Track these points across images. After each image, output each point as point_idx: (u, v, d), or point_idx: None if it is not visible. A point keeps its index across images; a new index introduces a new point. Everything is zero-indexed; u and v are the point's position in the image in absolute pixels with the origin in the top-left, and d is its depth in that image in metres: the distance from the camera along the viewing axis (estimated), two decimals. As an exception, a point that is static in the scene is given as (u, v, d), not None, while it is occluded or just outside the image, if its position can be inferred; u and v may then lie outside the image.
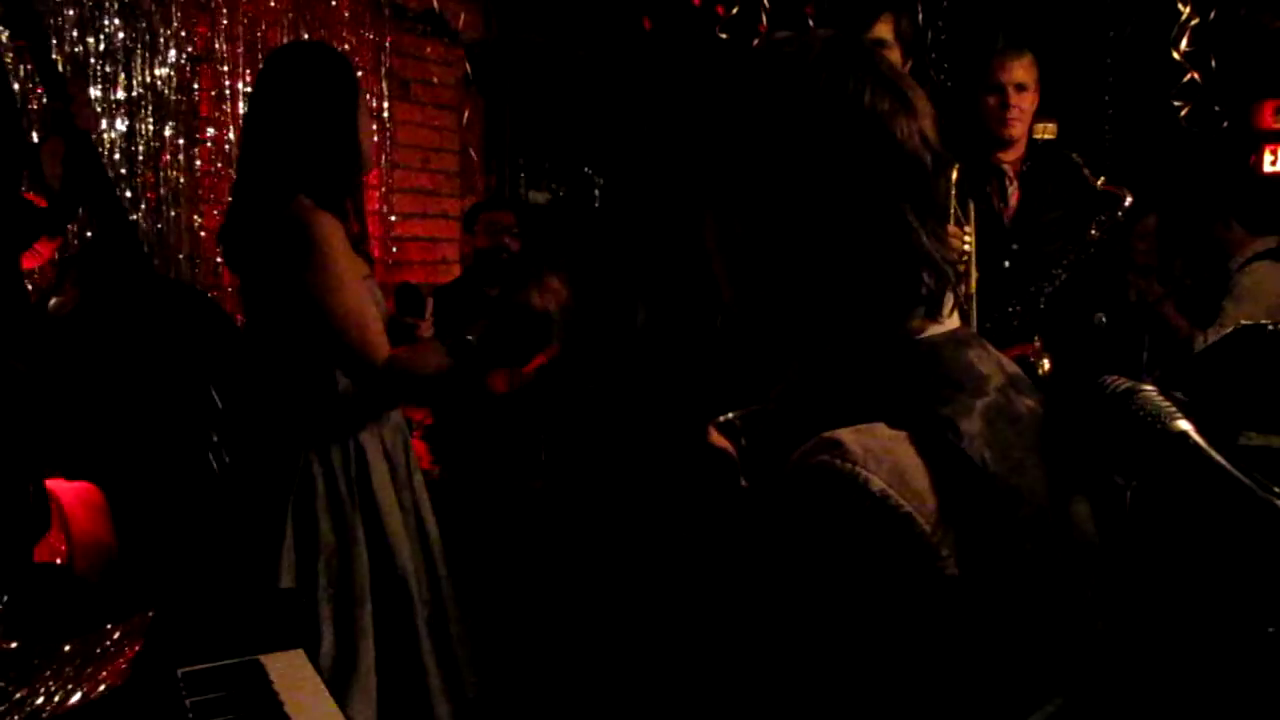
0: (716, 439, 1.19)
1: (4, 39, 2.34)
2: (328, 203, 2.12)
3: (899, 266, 0.89)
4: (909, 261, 0.89)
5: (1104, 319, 2.94)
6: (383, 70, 4.42)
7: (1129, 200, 2.84)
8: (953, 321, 0.94)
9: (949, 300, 0.93)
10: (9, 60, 2.49)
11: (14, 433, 1.78)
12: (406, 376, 2.11)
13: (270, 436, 2.20)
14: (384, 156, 4.47)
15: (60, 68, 2.94)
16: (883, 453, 0.80)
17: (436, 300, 3.78)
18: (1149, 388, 0.85)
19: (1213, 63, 3.98)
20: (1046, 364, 2.76)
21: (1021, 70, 2.91)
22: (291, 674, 1.37)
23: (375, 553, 2.18)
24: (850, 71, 0.89)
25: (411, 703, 2.20)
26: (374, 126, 2.29)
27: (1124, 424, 0.83)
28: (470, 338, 2.13)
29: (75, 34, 3.20)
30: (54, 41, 3.09)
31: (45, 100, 2.31)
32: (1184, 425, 0.82)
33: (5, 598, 1.44)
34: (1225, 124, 4.27)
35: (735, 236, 0.94)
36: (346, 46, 4.22)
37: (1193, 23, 3.88)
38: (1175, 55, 4.00)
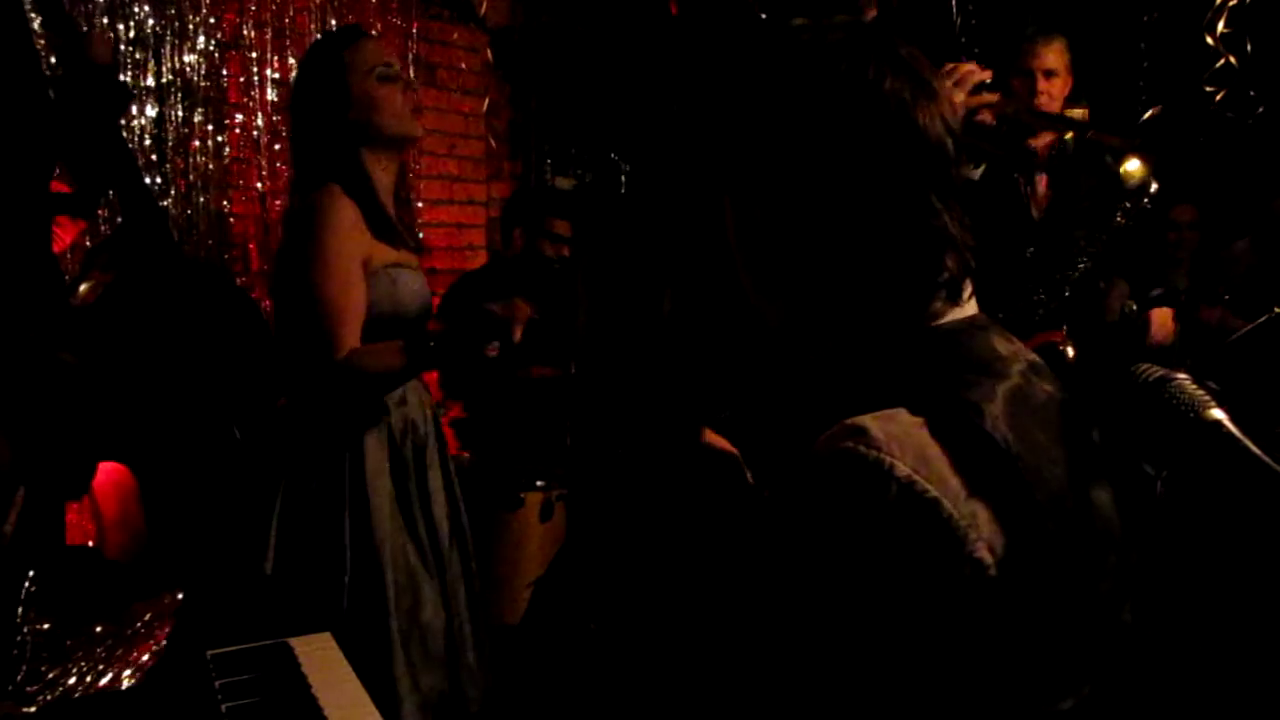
0: (712, 439, 1.19)
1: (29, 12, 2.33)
2: (353, 187, 2.13)
3: (921, 251, 0.90)
4: (932, 246, 0.89)
5: (1135, 308, 2.91)
6: (410, 57, 4.42)
7: (1155, 188, 2.80)
8: (971, 307, 0.94)
9: (968, 286, 0.93)
10: (40, 47, 2.50)
11: (67, 425, 1.80)
12: (358, 375, 2.08)
13: (273, 420, 2.22)
14: (411, 143, 4.48)
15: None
16: (905, 438, 0.80)
17: (459, 287, 3.78)
18: (1182, 376, 0.84)
19: (1249, 46, 3.91)
20: (1071, 352, 2.74)
21: (1052, 56, 2.88)
22: (320, 657, 1.38)
23: (358, 546, 2.12)
24: (870, 58, 0.89)
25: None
26: (389, 93, 2.20)
27: (1156, 412, 0.82)
28: (431, 344, 2.12)
29: (105, 21, 3.22)
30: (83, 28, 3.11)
31: (56, 41, 2.30)
32: (1217, 414, 0.81)
33: (37, 579, 1.46)
34: (1261, 109, 4.21)
35: (755, 224, 0.94)
36: (374, 32, 4.23)
37: (1230, 4, 3.82)
38: (1209, 40, 3.94)
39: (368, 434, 2.15)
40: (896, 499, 0.77)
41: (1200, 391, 0.82)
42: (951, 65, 2.23)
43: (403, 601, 2.16)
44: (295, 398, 2.23)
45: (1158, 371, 0.85)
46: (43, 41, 2.50)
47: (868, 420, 0.81)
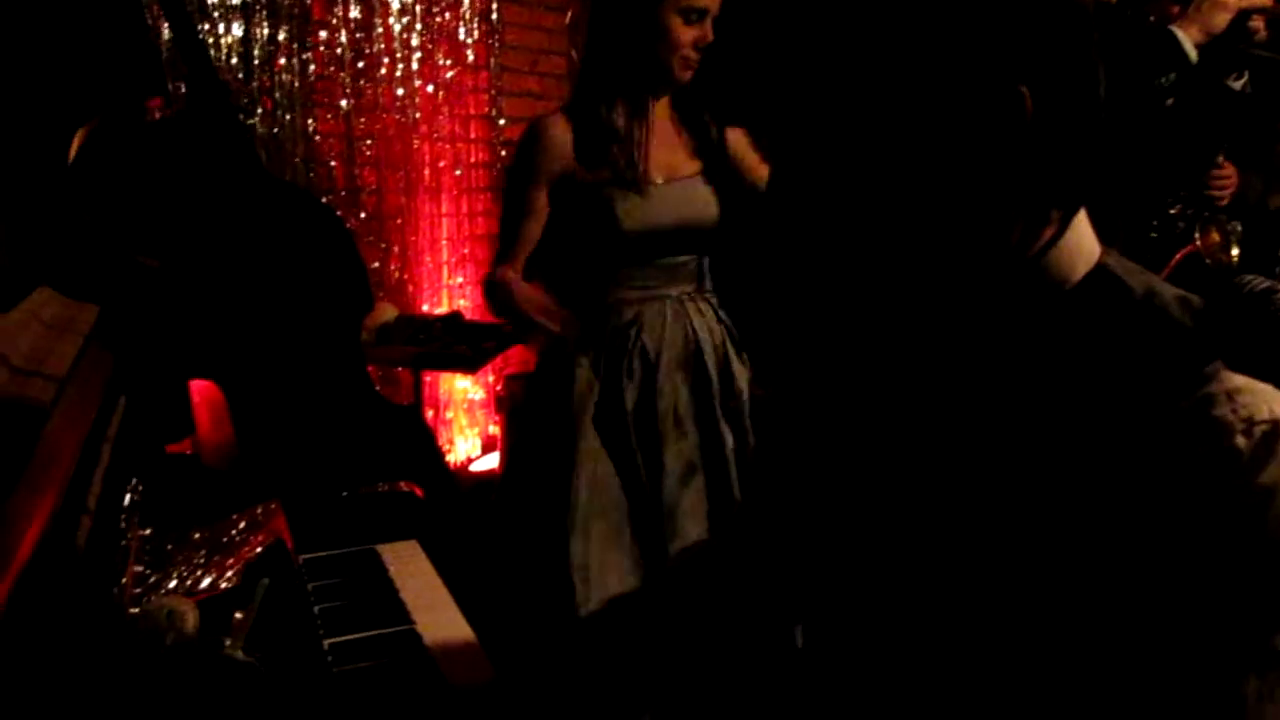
0: None
1: None
2: (579, 112, 2.21)
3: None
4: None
5: (1239, 226, 2.78)
6: (491, -29, 4.39)
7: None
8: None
9: None
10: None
11: (152, 328, 1.85)
12: (498, 301, 2.22)
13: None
14: (492, 59, 4.46)
15: None
16: None
17: None
18: (1291, 287, 0.81)
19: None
20: (1235, 251, 2.58)
21: None
22: (406, 561, 1.42)
23: (555, 461, 2.18)
24: None
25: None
26: (685, 31, 2.12)
27: (1262, 322, 0.79)
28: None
29: (191, -61, 3.24)
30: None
31: None
32: (1328, 326, 0.77)
33: (140, 486, 1.51)
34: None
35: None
36: (455, -54, 4.19)
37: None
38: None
39: (589, 341, 2.22)
40: None
41: (1309, 303, 0.79)
42: None
43: (593, 527, 2.16)
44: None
45: (1263, 283, 0.81)
46: None
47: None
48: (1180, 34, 2.29)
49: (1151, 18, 2.43)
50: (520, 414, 2.35)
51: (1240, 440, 0.68)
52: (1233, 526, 0.68)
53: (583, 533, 2.14)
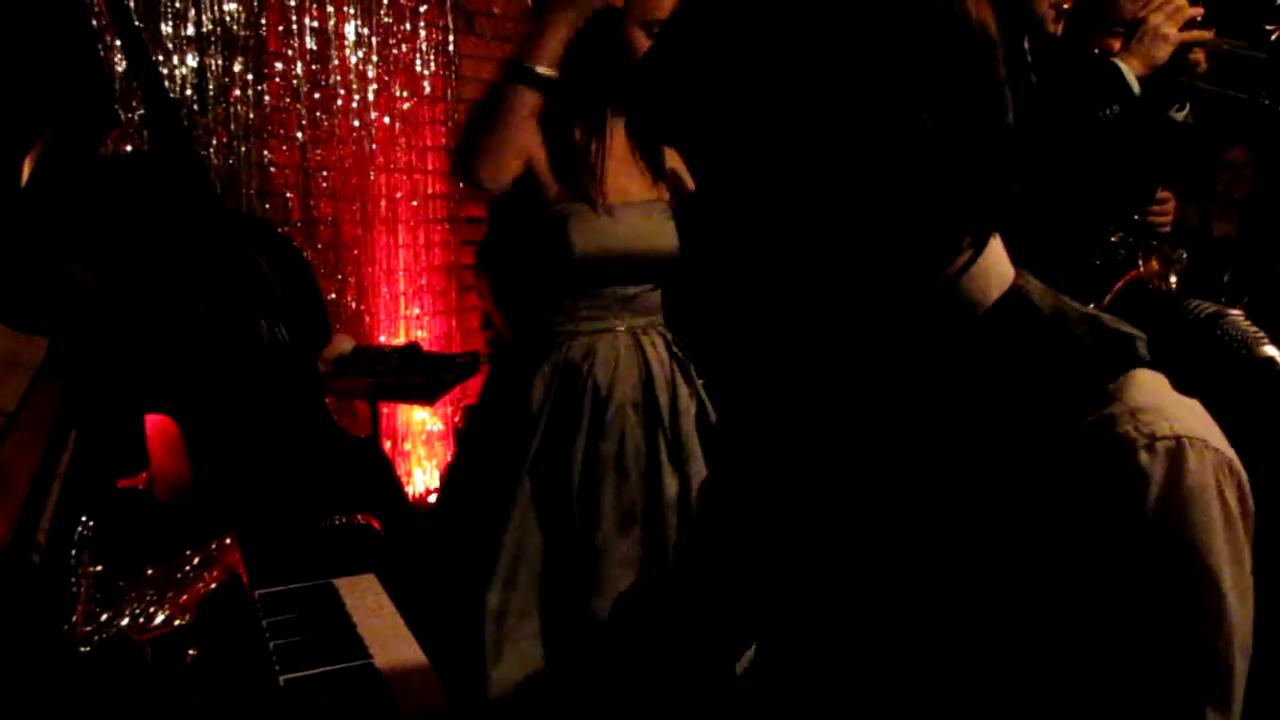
0: None
1: None
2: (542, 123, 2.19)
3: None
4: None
5: (1184, 254, 2.84)
6: (448, 3, 4.39)
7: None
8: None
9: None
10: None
11: (106, 362, 1.82)
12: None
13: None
14: (449, 91, 4.47)
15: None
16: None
17: None
18: (1235, 313, 0.83)
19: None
20: (1173, 279, 2.62)
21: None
22: (364, 595, 1.41)
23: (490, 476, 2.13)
24: None
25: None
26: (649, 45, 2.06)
27: (1209, 348, 0.80)
28: None
29: (145, -30, 3.23)
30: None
31: None
32: (1271, 351, 0.79)
33: (92, 523, 1.48)
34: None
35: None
36: (411, -21, 4.20)
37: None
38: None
39: (537, 373, 2.13)
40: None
41: (1253, 328, 0.81)
42: None
43: (519, 575, 2.09)
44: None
45: (1210, 308, 0.83)
46: None
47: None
48: (1123, 66, 2.34)
49: (1095, 50, 2.49)
50: (465, 438, 2.26)
51: (1143, 456, 0.70)
52: (1141, 542, 0.69)
53: (505, 580, 2.07)
